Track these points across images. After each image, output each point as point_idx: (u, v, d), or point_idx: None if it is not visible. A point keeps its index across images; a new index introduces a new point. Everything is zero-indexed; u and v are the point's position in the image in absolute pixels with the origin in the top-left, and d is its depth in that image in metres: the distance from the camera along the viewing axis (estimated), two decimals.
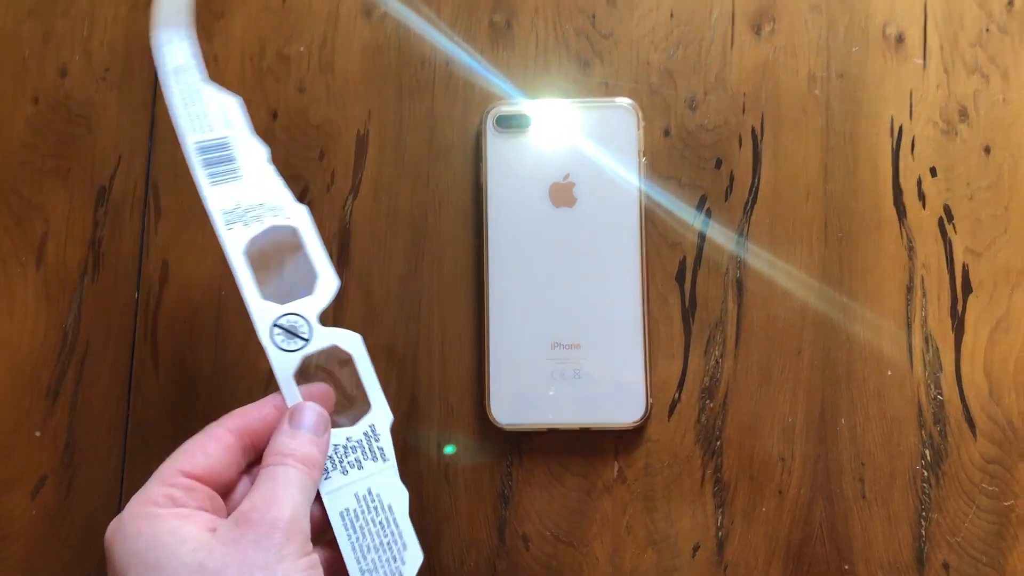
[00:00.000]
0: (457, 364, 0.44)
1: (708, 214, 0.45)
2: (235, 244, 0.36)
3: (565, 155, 0.44)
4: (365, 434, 0.35)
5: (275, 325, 0.35)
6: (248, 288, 0.35)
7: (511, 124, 0.44)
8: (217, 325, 0.45)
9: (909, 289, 0.44)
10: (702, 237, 0.45)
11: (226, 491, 0.34)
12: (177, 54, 0.38)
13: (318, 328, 0.35)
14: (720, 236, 0.45)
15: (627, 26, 0.46)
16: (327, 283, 0.36)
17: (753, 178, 0.45)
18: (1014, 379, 0.44)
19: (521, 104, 0.45)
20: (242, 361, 0.44)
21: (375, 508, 0.35)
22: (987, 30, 0.46)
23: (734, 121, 0.45)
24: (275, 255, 0.37)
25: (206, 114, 0.37)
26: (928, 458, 0.43)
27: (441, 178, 0.45)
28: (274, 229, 0.36)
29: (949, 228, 0.45)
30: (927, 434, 0.44)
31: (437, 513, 0.44)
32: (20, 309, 0.45)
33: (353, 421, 0.36)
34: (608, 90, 0.46)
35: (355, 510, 0.35)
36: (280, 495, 0.31)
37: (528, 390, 0.43)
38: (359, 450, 0.35)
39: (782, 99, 0.45)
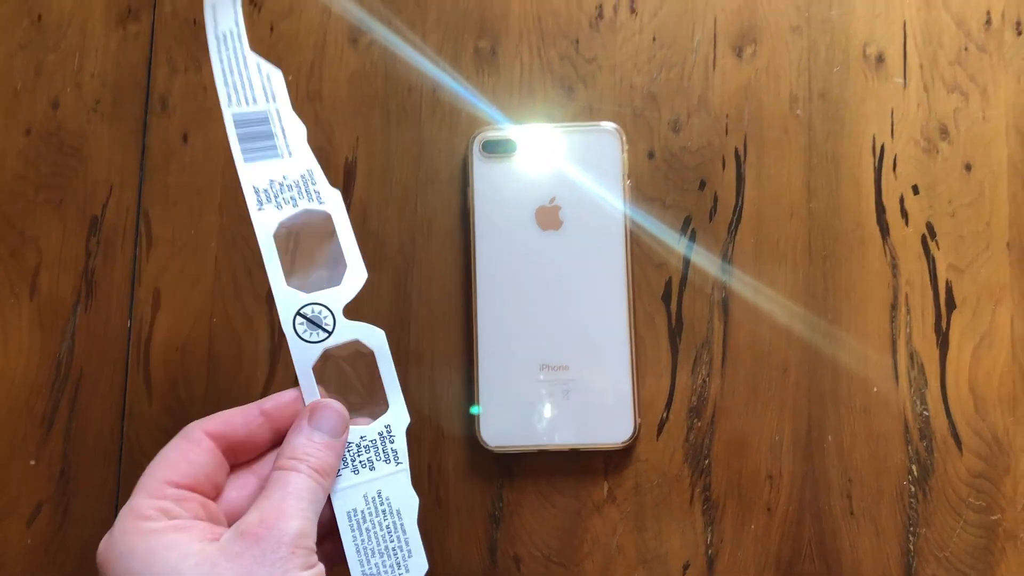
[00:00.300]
0: (447, 387, 0.45)
1: (693, 235, 0.45)
2: (265, 225, 0.34)
3: (551, 179, 0.45)
4: (380, 434, 0.34)
5: (298, 314, 0.34)
6: (274, 273, 0.34)
7: (497, 149, 0.45)
8: (209, 352, 0.45)
9: (893, 306, 0.45)
10: (687, 258, 0.45)
11: (216, 494, 0.33)
12: (226, 18, 0.36)
13: (342, 321, 0.34)
14: (705, 256, 0.45)
15: (610, 50, 0.46)
16: (355, 275, 0.35)
17: (737, 198, 0.45)
18: (999, 394, 0.44)
19: (507, 129, 0.45)
20: (234, 387, 0.45)
21: (383, 511, 0.34)
22: (966, 49, 0.46)
23: (717, 142, 0.46)
24: (305, 241, 0.36)
25: (249, 85, 0.36)
26: (915, 473, 0.44)
27: (429, 203, 0.46)
28: (307, 213, 0.35)
29: (932, 245, 0.45)
30: (914, 450, 0.44)
31: (428, 535, 0.44)
32: (14, 339, 0.45)
33: (368, 420, 0.35)
34: (592, 114, 0.46)
35: (363, 511, 0.34)
36: (289, 507, 0.30)
37: (517, 412, 0.44)
38: (372, 450, 0.34)
39: (764, 120, 0.46)
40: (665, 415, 0.44)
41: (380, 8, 0.47)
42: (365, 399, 0.36)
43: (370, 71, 0.47)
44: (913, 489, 0.44)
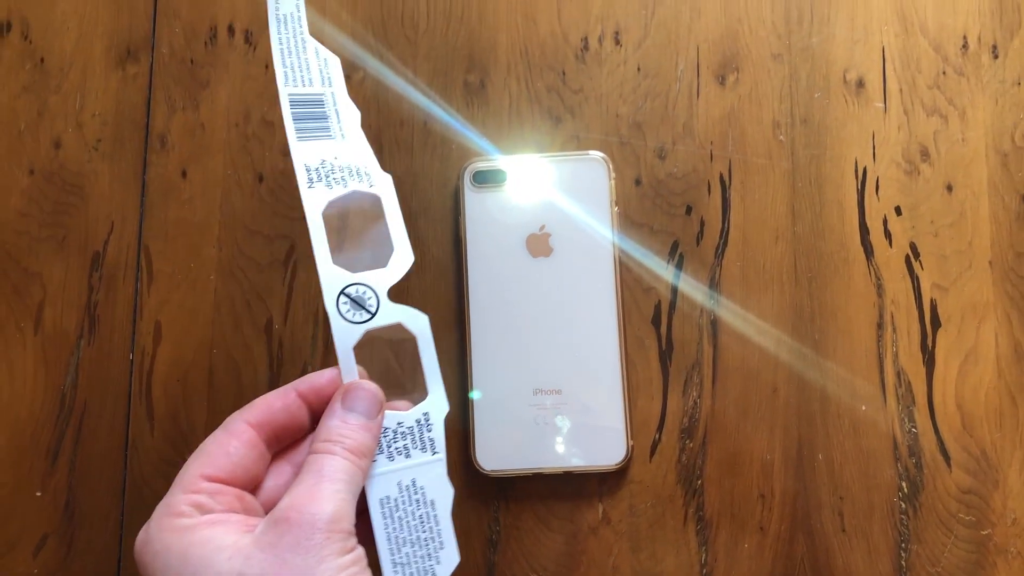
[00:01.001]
0: None
1: (680, 260, 0.46)
2: (315, 203, 0.34)
3: (540, 207, 0.46)
4: (418, 421, 0.34)
5: (343, 293, 0.34)
6: (321, 250, 0.34)
7: (487, 179, 0.46)
8: (209, 383, 0.46)
9: (879, 325, 0.46)
10: (676, 281, 0.46)
11: (254, 486, 0.32)
12: (288, 1, 0.37)
13: (386, 303, 0.34)
14: (693, 280, 0.46)
15: (596, 81, 0.48)
16: (402, 258, 0.35)
17: (723, 223, 0.47)
18: (985, 410, 0.45)
19: (497, 160, 0.46)
20: None
21: (417, 501, 0.33)
22: (943, 72, 0.47)
23: (702, 168, 0.47)
24: (353, 221, 0.36)
25: (306, 67, 0.36)
26: (905, 490, 0.44)
27: (422, 233, 0.47)
28: (357, 195, 0.35)
29: (916, 265, 0.46)
30: (903, 467, 0.45)
31: None
32: (20, 373, 0.46)
33: (407, 406, 0.34)
34: (580, 143, 0.47)
35: (396, 499, 0.33)
36: (323, 490, 0.29)
37: (512, 436, 0.44)
38: (409, 437, 0.34)
39: (748, 146, 0.47)
40: (657, 437, 0.45)
41: (373, 43, 0.48)
42: (404, 384, 0.36)
43: (363, 106, 0.48)
44: (904, 506, 0.44)
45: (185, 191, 0.47)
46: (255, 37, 0.48)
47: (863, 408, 0.45)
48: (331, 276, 0.34)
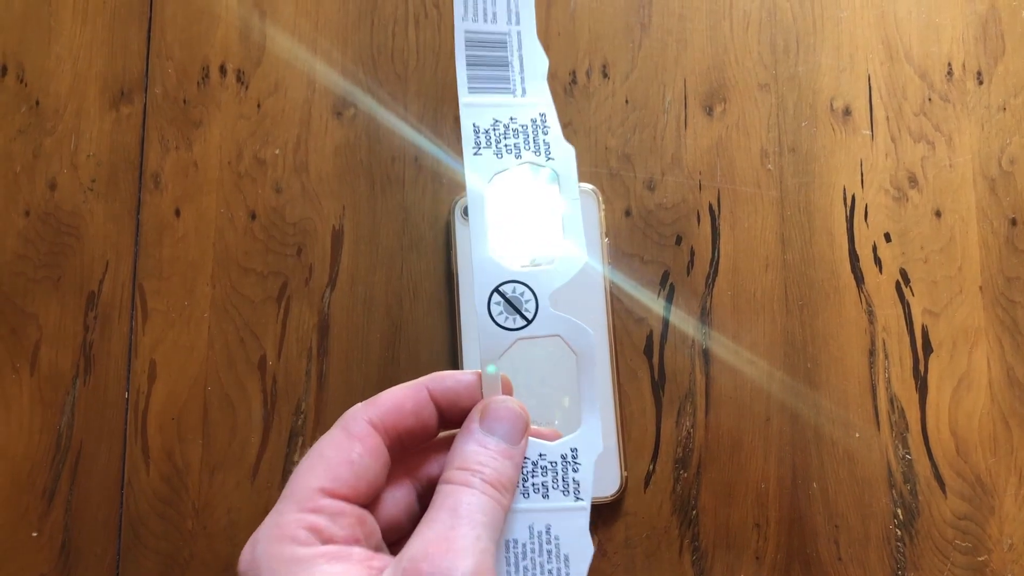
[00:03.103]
0: None
1: (671, 289, 0.47)
2: (479, 173, 0.29)
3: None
4: (563, 457, 0.28)
5: (497, 291, 0.29)
6: (477, 233, 0.29)
7: None
8: (204, 420, 0.46)
9: (871, 352, 0.46)
10: (667, 311, 0.46)
11: (376, 502, 0.28)
12: None
13: (546, 309, 0.29)
14: (684, 310, 0.46)
15: (585, 115, 0.48)
16: (572, 256, 0.29)
17: (713, 252, 0.47)
18: (979, 435, 0.45)
19: None
20: (229, 454, 0.46)
21: (549, 552, 0.28)
22: (929, 99, 0.48)
23: (691, 199, 0.47)
24: (520, 204, 0.31)
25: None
26: (901, 517, 0.44)
27: (414, 268, 0.47)
28: (529, 171, 0.30)
29: (906, 291, 0.46)
30: (898, 494, 0.45)
31: None
32: (16, 414, 0.47)
33: (553, 436, 0.29)
34: None
35: (525, 545, 0.28)
36: (460, 537, 0.24)
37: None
38: (551, 474, 0.28)
39: (737, 175, 0.47)
40: (651, 467, 0.45)
41: (363, 80, 0.49)
42: (552, 408, 0.32)
43: (354, 142, 0.48)
44: (899, 533, 0.44)
45: (179, 229, 0.48)
46: (247, 76, 0.49)
47: (857, 435, 0.45)
48: (486, 269, 0.29)
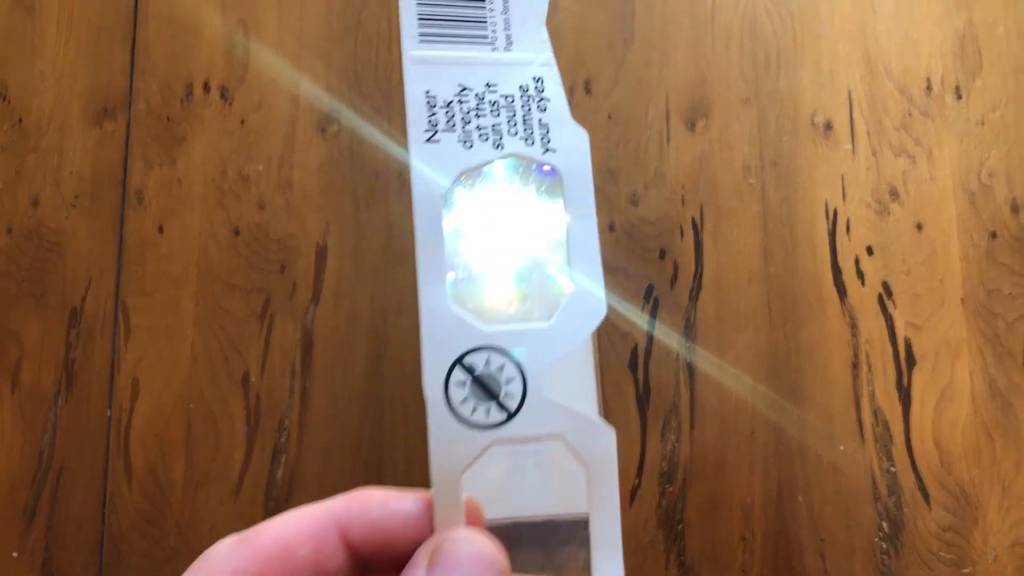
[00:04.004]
0: (421, 462, 0.46)
1: (656, 303, 0.47)
2: (432, 173, 0.19)
3: None
4: None
5: (460, 364, 0.19)
6: (428, 271, 0.19)
7: None
8: (187, 437, 0.46)
9: (855, 365, 0.46)
10: (651, 325, 0.46)
11: None
12: None
13: (537, 395, 0.19)
14: (668, 323, 0.46)
15: None
16: (585, 304, 0.19)
17: (696, 266, 0.47)
18: (963, 447, 0.45)
19: None
20: (212, 471, 0.45)
21: None
22: (909, 114, 0.48)
23: (675, 213, 0.47)
24: (501, 218, 0.19)
25: None
26: (886, 530, 0.44)
27: (399, 282, 0.47)
28: (515, 168, 0.20)
29: (889, 303, 0.46)
30: (883, 506, 0.45)
31: None
32: None
33: (545, 563, 0.20)
34: None
35: None
36: None
37: (491, 484, 0.44)
38: None
39: (719, 189, 0.48)
40: (637, 482, 0.45)
41: (347, 95, 0.49)
42: (548, 541, 0.21)
43: (338, 158, 0.48)
44: (885, 545, 0.44)
45: (162, 246, 0.48)
46: (230, 93, 0.49)
47: (841, 448, 0.45)
48: (442, 329, 0.19)
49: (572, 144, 0.19)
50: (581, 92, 0.49)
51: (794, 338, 0.46)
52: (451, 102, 0.19)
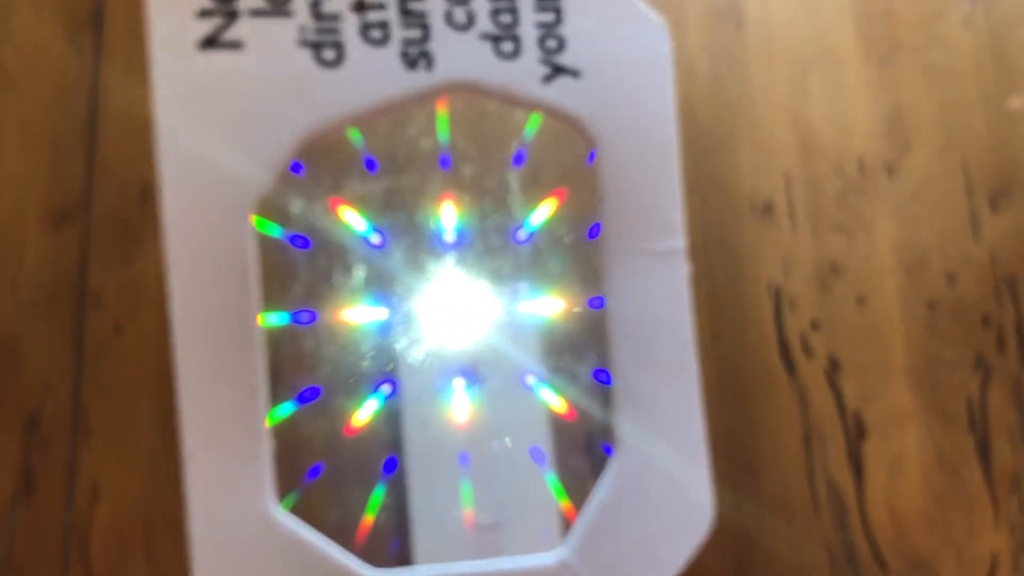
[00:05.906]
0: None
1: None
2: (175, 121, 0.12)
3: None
4: None
5: None
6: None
7: None
8: (148, 542, 0.46)
9: (806, 439, 0.47)
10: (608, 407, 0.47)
11: None
12: None
13: None
14: None
15: None
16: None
17: None
18: (915, 515, 0.46)
19: None
20: (175, 575, 0.45)
21: None
22: (845, 193, 0.50)
23: None
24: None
25: None
26: None
27: None
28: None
29: (837, 377, 0.48)
30: None
31: None
32: None
33: None
34: None
35: None
36: None
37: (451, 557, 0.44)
38: None
39: None
40: None
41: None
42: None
43: None
44: None
45: (121, 347, 0.48)
46: None
47: (798, 522, 0.46)
48: None
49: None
50: None
51: (745, 415, 0.47)
52: None
